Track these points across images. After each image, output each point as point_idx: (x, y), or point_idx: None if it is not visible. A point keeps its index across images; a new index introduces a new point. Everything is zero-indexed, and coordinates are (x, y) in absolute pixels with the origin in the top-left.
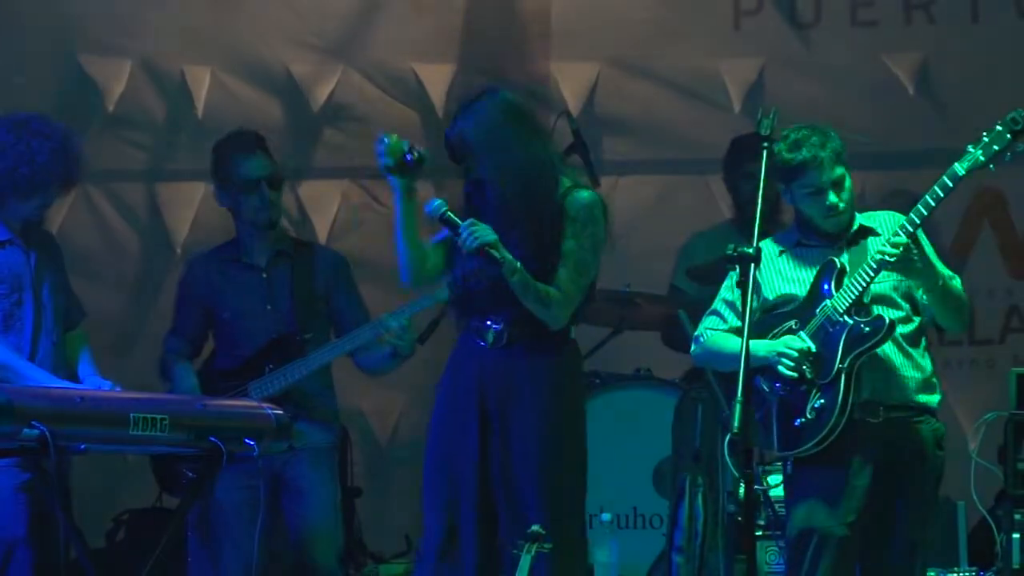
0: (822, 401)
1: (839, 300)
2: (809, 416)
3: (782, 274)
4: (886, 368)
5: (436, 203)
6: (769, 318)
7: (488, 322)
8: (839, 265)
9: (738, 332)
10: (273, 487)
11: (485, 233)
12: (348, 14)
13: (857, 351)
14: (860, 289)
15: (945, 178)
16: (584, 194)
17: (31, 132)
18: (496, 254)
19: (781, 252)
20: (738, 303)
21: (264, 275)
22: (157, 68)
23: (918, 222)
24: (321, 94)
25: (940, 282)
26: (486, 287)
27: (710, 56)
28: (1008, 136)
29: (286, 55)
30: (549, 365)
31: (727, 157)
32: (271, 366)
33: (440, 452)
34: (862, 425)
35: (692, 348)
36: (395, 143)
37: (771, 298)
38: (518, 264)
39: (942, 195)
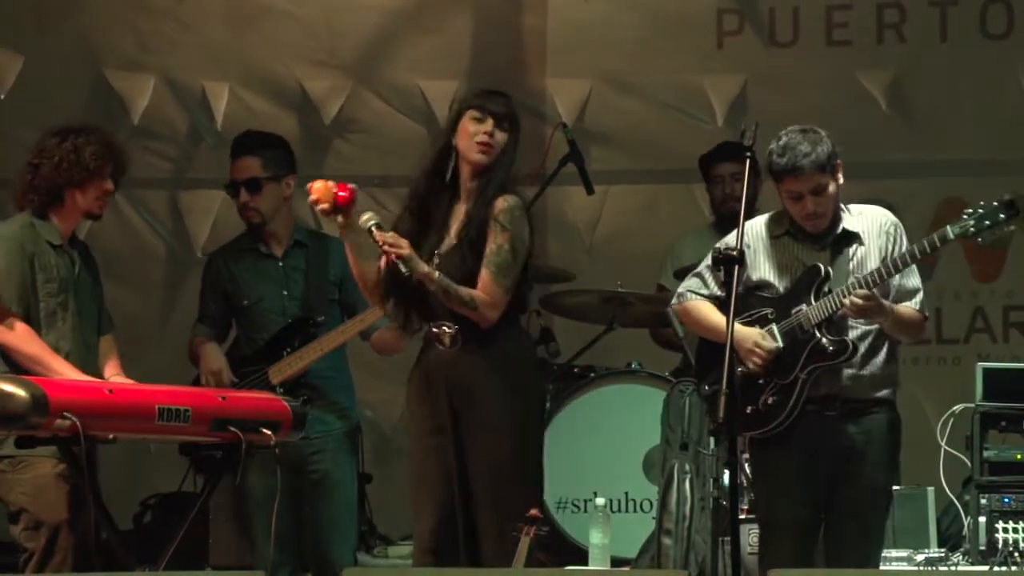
0: (775, 398)
1: (814, 311)
2: (760, 408)
3: (769, 260)
4: (846, 370)
5: (365, 216)
6: (747, 299)
7: (444, 326)
8: (823, 274)
9: (716, 302)
10: (295, 475)
11: (399, 247)
12: (359, 34)
13: (817, 365)
14: (833, 310)
15: (935, 237)
16: (507, 198)
17: (75, 132)
18: (403, 267)
19: (772, 238)
20: (718, 279)
21: (280, 263)
22: (179, 83)
23: (893, 272)
24: (332, 108)
25: (890, 321)
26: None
27: (695, 73)
28: (1002, 216)
29: (299, 72)
30: (498, 358)
31: (703, 165)
32: (288, 350)
33: (425, 456)
34: (818, 416)
35: (673, 303)
36: (321, 187)
37: (753, 279)
38: (436, 274)
39: (928, 251)
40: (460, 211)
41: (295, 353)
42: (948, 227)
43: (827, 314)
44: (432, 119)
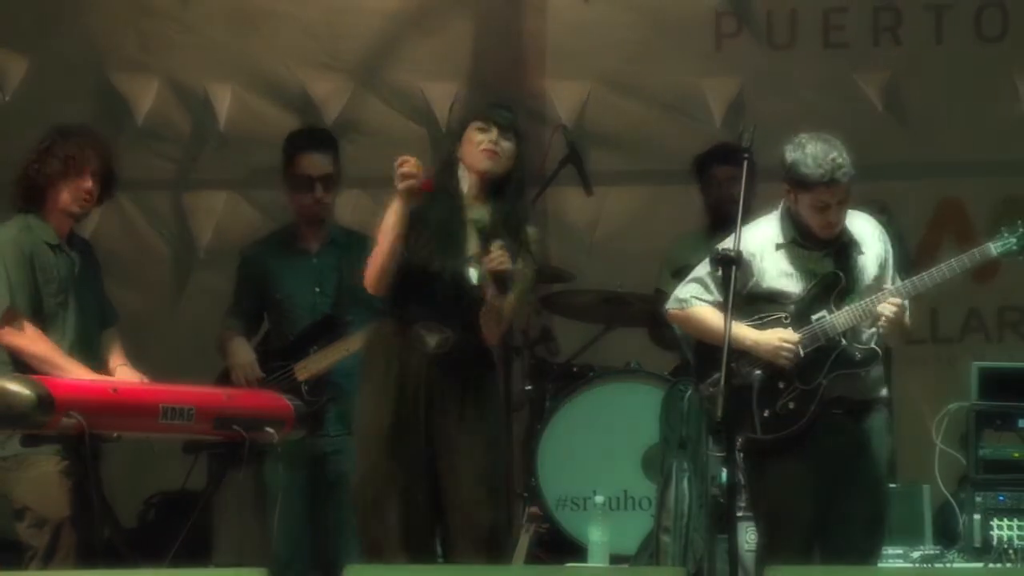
0: (795, 404)
1: (840, 319)
2: (779, 411)
3: (776, 268)
4: (858, 373)
5: (478, 215)
6: (758, 305)
7: (436, 329)
8: (842, 282)
9: (720, 308)
10: (313, 473)
11: (507, 260)
12: (360, 37)
13: (843, 371)
14: (861, 318)
15: (976, 253)
16: (534, 229)
17: (60, 132)
18: (507, 278)
19: (778, 246)
20: (719, 281)
21: (315, 260)
22: (182, 85)
23: (929, 284)
24: (334, 110)
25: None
26: (439, 293)
27: (693, 75)
28: None
29: (302, 74)
30: (484, 374)
31: (699, 166)
32: (315, 347)
33: (390, 456)
34: (827, 416)
35: (670, 306)
36: (418, 166)
37: (762, 286)
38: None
39: (968, 267)
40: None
41: (321, 351)
42: (991, 245)
43: (854, 322)
44: (433, 121)
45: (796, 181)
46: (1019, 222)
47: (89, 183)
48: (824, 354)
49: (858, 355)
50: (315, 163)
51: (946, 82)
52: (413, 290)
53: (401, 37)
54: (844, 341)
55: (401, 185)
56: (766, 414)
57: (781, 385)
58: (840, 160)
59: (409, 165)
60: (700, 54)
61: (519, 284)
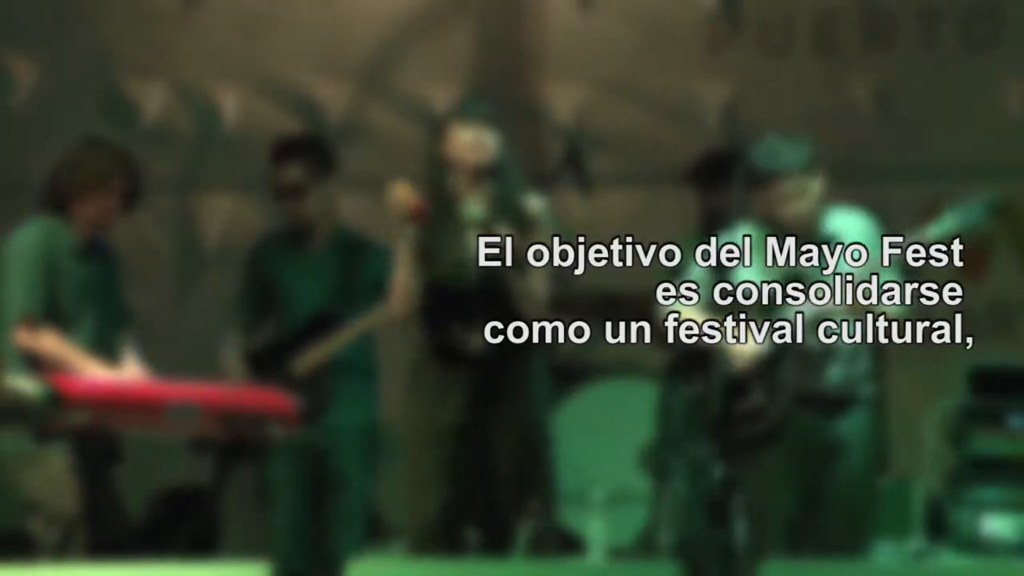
0: (765, 398)
1: (806, 311)
2: (749, 407)
3: (754, 264)
4: (833, 367)
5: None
6: (735, 302)
7: (474, 332)
8: (808, 277)
9: (707, 308)
10: (317, 467)
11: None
12: (364, 41)
13: (806, 366)
14: (828, 313)
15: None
16: (538, 200)
17: (90, 143)
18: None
19: (756, 242)
20: (707, 281)
21: (314, 261)
22: (188, 88)
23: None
24: (337, 113)
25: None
26: (464, 296)
27: (689, 80)
28: (983, 216)
29: (306, 78)
30: (528, 369)
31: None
32: (310, 344)
33: (438, 450)
34: (805, 412)
35: (663, 305)
36: (409, 190)
37: (740, 283)
38: None
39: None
40: (475, 219)
41: (317, 347)
42: (931, 228)
43: (820, 316)
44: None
45: (755, 176)
46: (965, 206)
47: (115, 201)
48: (790, 348)
49: (820, 349)
50: (284, 174)
51: (938, 87)
52: (438, 300)
53: (403, 42)
54: (809, 336)
55: (398, 214)
56: (738, 410)
57: (750, 381)
58: (790, 151)
59: (401, 191)
60: (695, 59)
61: (537, 255)
